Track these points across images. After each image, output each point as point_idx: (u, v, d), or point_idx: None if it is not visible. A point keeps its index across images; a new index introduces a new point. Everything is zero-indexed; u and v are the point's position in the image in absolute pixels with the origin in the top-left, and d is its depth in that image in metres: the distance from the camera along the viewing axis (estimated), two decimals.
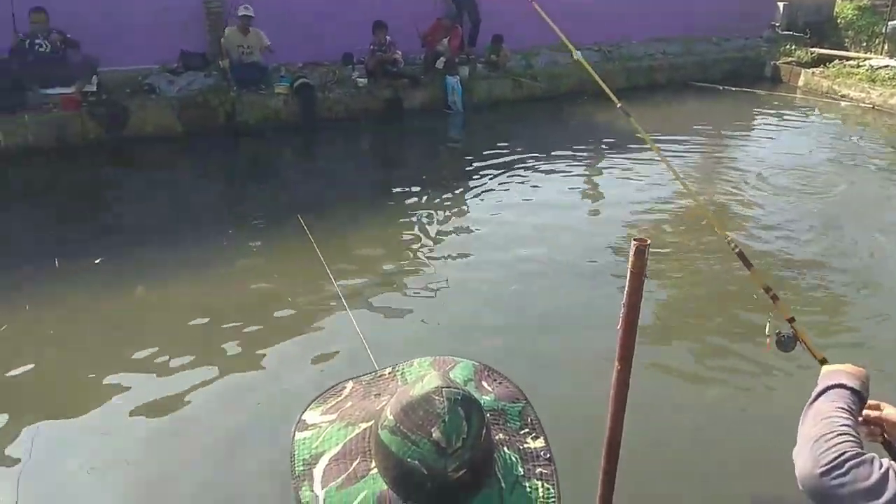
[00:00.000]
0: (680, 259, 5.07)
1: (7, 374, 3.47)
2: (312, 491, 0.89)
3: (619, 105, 2.13)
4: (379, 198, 6.50)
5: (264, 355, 3.75)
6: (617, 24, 11.95)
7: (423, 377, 0.90)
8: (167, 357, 3.67)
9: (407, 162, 8.29)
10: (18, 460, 2.93)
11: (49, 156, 7.13)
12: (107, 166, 7.36)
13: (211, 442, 3.07)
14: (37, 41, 7.29)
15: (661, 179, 6.81)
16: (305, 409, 1.02)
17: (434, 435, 0.83)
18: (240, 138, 8.09)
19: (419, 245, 5.28)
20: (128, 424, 3.19)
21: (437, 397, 0.85)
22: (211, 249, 5.11)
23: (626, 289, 1.63)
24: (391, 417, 0.87)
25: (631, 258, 1.59)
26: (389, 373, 1.08)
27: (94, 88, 7.65)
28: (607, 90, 2.18)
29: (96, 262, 4.83)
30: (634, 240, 1.57)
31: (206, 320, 4.12)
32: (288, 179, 7.29)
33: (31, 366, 3.60)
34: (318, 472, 0.91)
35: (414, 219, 5.81)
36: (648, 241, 1.58)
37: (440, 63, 9.71)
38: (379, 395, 1.03)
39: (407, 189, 6.54)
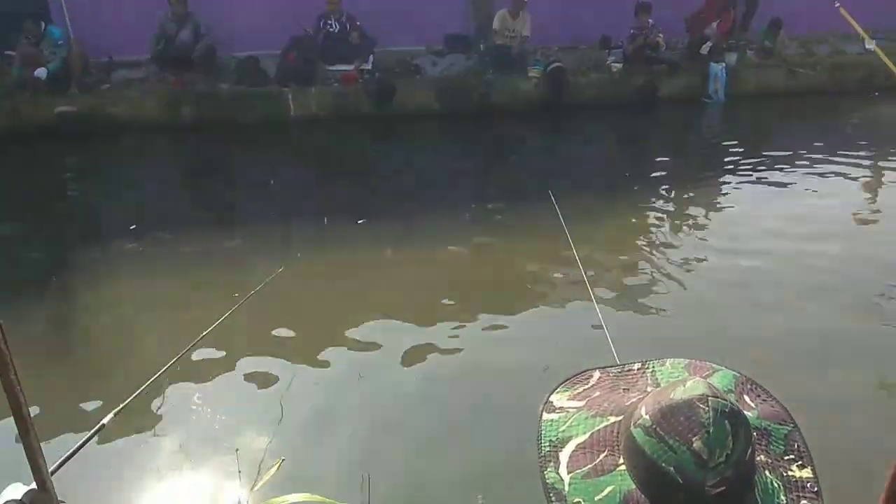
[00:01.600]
0: None
1: (280, 312, 3.96)
2: (557, 473, 0.89)
3: None
4: (625, 186, 6.32)
5: (503, 328, 3.84)
6: None
7: (684, 381, 0.85)
8: (406, 319, 3.92)
9: (656, 151, 7.91)
10: (278, 392, 3.31)
11: (327, 125, 8.05)
12: (373, 138, 8.11)
13: (447, 408, 3.21)
14: (328, 22, 8.22)
15: None
16: (553, 392, 1.03)
17: (695, 444, 0.79)
18: (490, 119, 8.37)
19: (667, 240, 5.04)
20: (366, 375, 3.48)
21: (701, 405, 0.80)
22: (457, 221, 5.38)
23: None
24: (647, 417, 0.83)
25: None
26: (639, 369, 1.05)
27: (370, 67, 8.44)
28: None
29: (358, 222, 5.34)
30: None
31: (446, 288, 4.33)
32: (534, 160, 7.40)
33: (297, 307, 4.10)
34: (564, 455, 0.91)
35: (662, 211, 5.55)
36: None
37: (705, 48, 9.08)
38: (628, 389, 1.01)
39: (654, 179, 6.26)
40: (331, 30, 8.25)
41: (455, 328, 3.84)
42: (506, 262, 4.76)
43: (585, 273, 2.55)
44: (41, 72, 7.53)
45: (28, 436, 1.51)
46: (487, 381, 3.36)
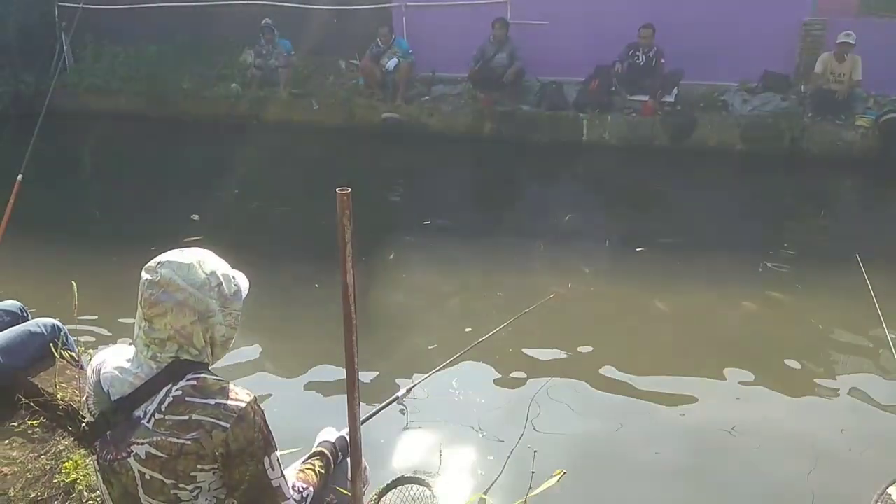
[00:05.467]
0: None
1: (550, 333, 4.04)
2: None
3: None
4: None
5: (793, 402, 3.55)
6: None
7: None
8: (682, 369, 3.79)
9: None
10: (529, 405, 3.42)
11: (617, 153, 8.00)
12: (664, 171, 7.83)
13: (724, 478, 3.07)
14: (636, 53, 8.21)
15: None
16: (890, 484, 0.94)
17: None
18: (800, 166, 7.61)
19: None
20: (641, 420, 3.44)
21: None
22: (748, 270, 5.02)
23: None
24: None
25: None
26: None
27: (672, 99, 8.22)
28: None
29: (637, 249, 5.32)
30: None
31: (729, 341, 4.08)
32: (846, 218, 6.60)
33: (566, 331, 4.14)
34: None
35: None
36: None
37: None
38: None
39: None
40: (637, 61, 8.23)
41: (736, 388, 3.62)
42: (803, 326, 4.31)
43: None
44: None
45: (353, 391, 1.76)
46: (772, 458, 3.09)
